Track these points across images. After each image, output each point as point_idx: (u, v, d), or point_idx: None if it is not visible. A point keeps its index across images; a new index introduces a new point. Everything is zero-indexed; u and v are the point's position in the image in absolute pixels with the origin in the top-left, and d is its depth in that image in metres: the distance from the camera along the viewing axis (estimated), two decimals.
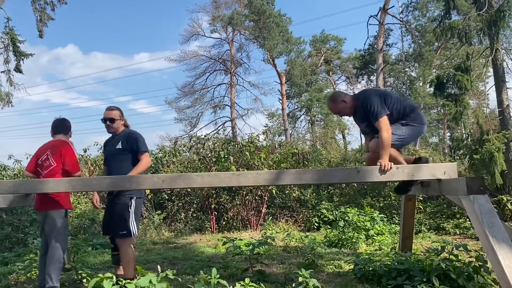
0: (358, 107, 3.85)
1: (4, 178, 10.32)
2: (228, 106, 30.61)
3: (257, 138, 9.91)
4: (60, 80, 55.34)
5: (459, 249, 4.03)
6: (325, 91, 29.76)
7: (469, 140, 9.28)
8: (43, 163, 4.09)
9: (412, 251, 4.80)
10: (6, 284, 4.39)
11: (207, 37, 31.55)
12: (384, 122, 3.61)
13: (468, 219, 7.45)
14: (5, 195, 4.04)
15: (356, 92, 4.08)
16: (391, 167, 3.45)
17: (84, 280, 4.10)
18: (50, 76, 55.49)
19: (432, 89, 11.39)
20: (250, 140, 9.69)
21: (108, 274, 3.25)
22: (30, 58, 15.68)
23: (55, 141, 4.23)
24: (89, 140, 73.77)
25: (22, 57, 15.56)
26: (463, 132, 13.81)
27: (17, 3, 40.70)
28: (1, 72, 15.87)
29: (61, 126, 4.31)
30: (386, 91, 3.85)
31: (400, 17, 21.99)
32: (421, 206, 8.59)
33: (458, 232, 7.72)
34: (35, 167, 4.15)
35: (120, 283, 3.16)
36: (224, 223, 9.43)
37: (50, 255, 3.95)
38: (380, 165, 3.45)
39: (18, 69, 15.90)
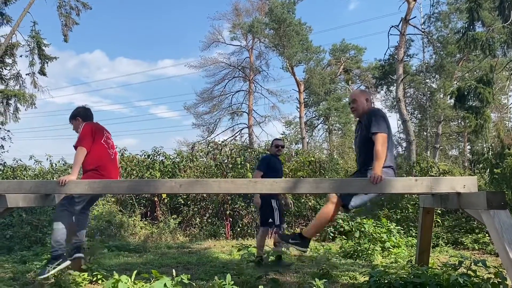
0: (365, 115, 3.91)
1: (25, 178, 10.52)
2: (246, 113, 30.74)
3: None
4: (84, 83, 56.38)
5: (478, 264, 3.95)
6: (344, 100, 29.64)
7: (490, 154, 9.10)
8: (108, 140, 4.32)
9: (429, 265, 4.72)
10: (24, 282, 4.47)
11: (227, 44, 31.84)
12: (382, 136, 3.65)
13: (487, 234, 7.28)
14: (26, 194, 4.13)
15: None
16: (381, 179, 3.43)
17: (100, 281, 4.15)
18: (75, 79, 56.57)
19: (452, 101, 11.26)
20: (266, 148, 9.68)
21: (124, 277, 3.29)
22: (55, 61, 16.10)
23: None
24: None
25: (47, 60, 15.99)
26: (484, 145, 13.57)
27: (46, 8, 41.84)
28: (26, 74, 16.33)
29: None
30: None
31: (422, 28, 21.74)
32: (439, 220, 8.43)
33: (476, 247, 7.54)
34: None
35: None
36: (238, 229, 9.42)
37: None
38: (371, 176, 3.44)
39: (42, 72, 16.31)
